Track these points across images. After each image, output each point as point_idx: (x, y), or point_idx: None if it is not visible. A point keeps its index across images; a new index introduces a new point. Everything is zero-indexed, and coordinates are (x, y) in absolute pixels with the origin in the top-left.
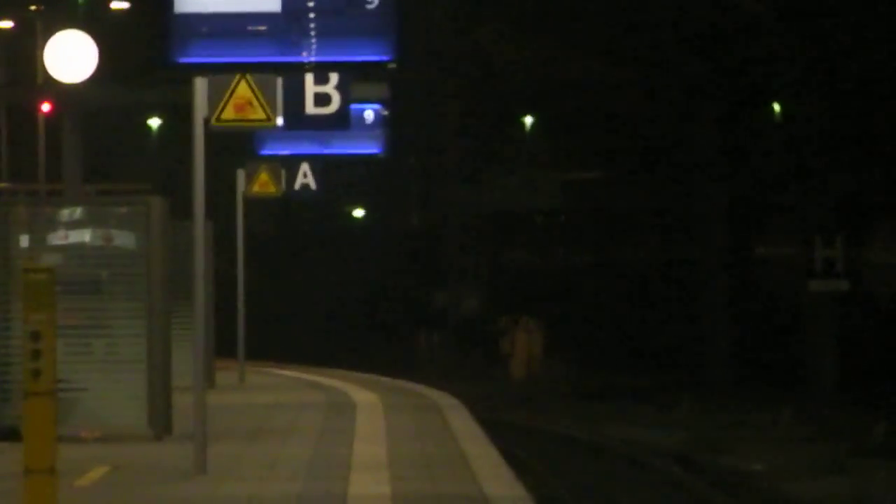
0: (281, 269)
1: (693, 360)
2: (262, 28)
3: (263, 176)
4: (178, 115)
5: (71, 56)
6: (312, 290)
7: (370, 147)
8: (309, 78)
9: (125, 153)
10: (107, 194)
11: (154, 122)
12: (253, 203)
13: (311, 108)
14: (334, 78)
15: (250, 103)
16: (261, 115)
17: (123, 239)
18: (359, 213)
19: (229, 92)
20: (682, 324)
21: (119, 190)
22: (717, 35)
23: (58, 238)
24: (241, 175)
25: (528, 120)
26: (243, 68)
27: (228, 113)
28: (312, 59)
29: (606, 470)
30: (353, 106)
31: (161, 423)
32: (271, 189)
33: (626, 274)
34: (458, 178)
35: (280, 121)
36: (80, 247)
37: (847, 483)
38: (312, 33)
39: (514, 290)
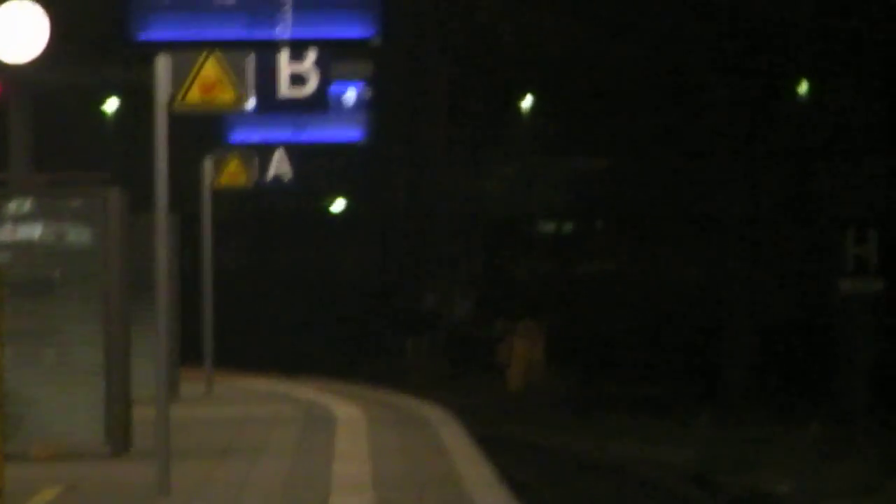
0: (252, 268)
1: (711, 369)
2: (231, 1)
3: (233, 165)
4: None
5: (18, 32)
6: (287, 292)
7: (351, 133)
8: (283, 56)
9: (79, 140)
10: (59, 185)
11: (111, 106)
12: (221, 194)
13: (285, 89)
14: (311, 55)
15: (218, 84)
16: (229, 96)
17: (78, 235)
18: (338, 206)
19: (195, 71)
20: (700, 330)
21: (73, 180)
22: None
23: (4, 234)
24: (208, 164)
25: (527, 101)
26: (210, 45)
27: (194, 95)
28: (287, 34)
29: (614, 491)
30: (333, 87)
31: (120, 438)
32: (241, 180)
33: (638, 276)
34: (449, 166)
35: (251, 103)
36: (29, 243)
37: None
38: (287, 6)
39: (513, 292)
